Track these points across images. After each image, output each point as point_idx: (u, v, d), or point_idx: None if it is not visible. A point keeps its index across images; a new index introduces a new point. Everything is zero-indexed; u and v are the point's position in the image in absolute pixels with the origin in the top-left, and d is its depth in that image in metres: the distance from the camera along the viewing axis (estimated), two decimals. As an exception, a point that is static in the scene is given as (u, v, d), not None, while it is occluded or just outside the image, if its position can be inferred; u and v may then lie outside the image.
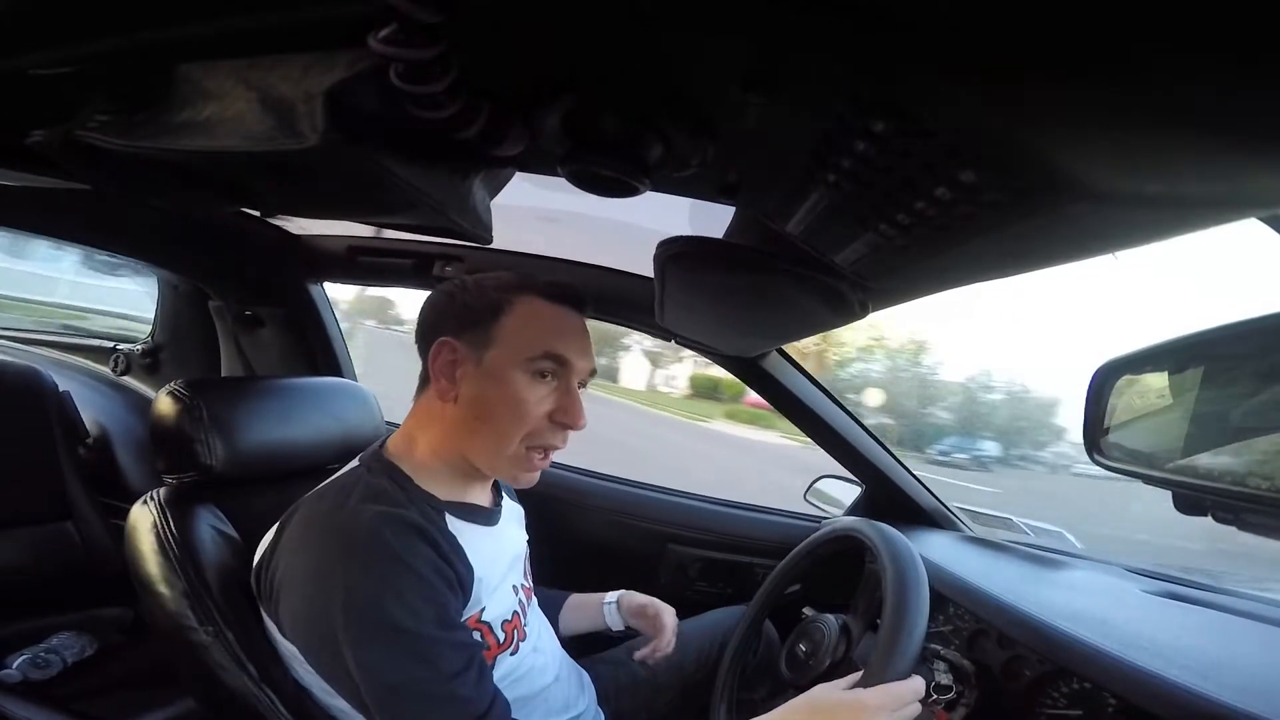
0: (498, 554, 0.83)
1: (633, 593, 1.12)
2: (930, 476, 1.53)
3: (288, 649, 0.72)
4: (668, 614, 1.06)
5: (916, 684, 0.72)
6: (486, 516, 0.85)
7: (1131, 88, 0.29)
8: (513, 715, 0.71)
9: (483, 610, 0.76)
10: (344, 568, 0.66)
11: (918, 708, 0.71)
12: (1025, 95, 0.32)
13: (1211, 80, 0.27)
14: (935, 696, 0.83)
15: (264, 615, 0.74)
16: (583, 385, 0.82)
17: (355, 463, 0.82)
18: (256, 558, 0.76)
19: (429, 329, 0.80)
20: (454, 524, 0.77)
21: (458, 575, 0.72)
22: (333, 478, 0.80)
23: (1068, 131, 0.34)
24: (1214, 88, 0.28)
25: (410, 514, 0.71)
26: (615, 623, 1.10)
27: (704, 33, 0.39)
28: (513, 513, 0.95)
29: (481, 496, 0.86)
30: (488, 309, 0.78)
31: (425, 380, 0.82)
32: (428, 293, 0.85)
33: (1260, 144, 0.31)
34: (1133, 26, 0.26)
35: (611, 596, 1.12)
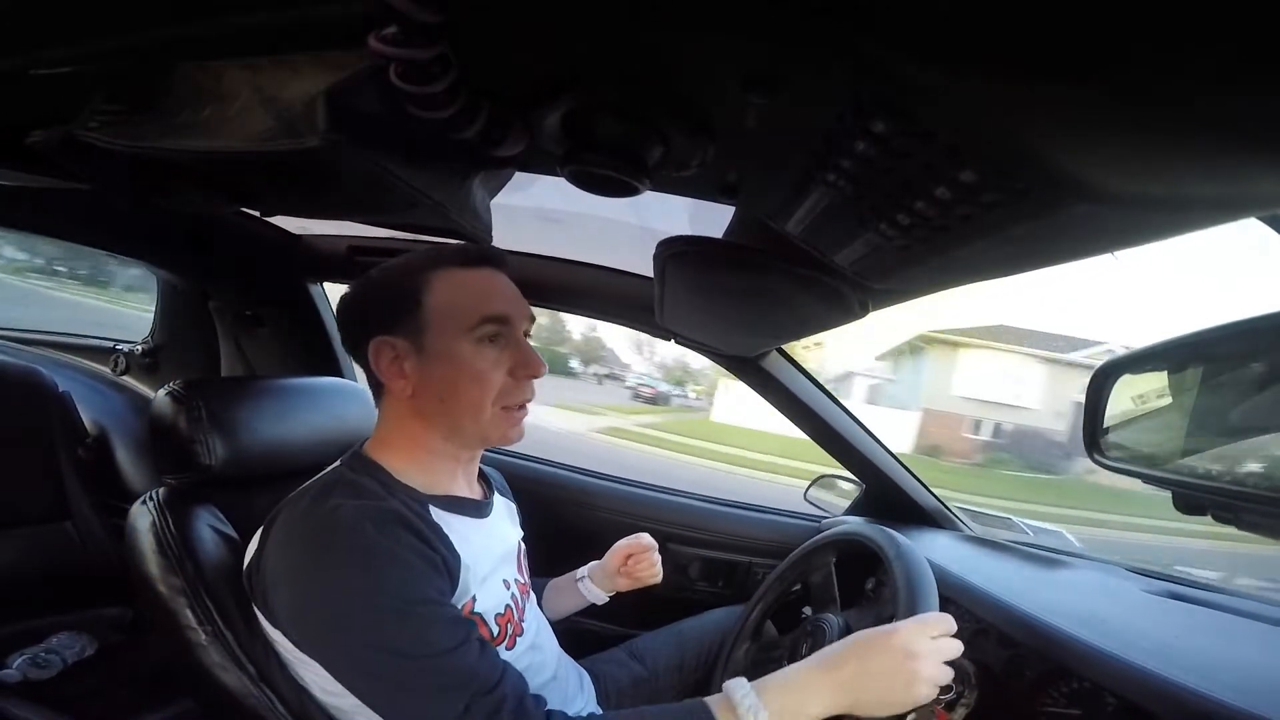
0: (487, 547, 0.83)
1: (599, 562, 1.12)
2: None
3: (286, 648, 0.73)
4: (642, 539, 1.09)
5: (948, 620, 0.71)
6: (475, 509, 0.84)
7: (1133, 92, 0.29)
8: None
9: (474, 599, 0.76)
10: (328, 563, 0.66)
11: (956, 644, 0.69)
12: (1025, 98, 0.32)
13: (1214, 86, 0.27)
14: (935, 696, 0.83)
15: (259, 616, 0.74)
16: (527, 334, 0.81)
17: (336, 463, 0.82)
18: (246, 560, 0.76)
19: (357, 332, 0.78)
20: (438, 514, 0.76)
21: (444, 560, 0.71)
22: (315, 479, 0.79)
23: (1068, 133, 0.34)
24: (1215, 91, 0.28)
25: (391, 504, 0.71)
26: (596, 596, 1.11)
27: (703, 33, 0.39)
28: (505, 508, 0.95)
29: (467, 489, 0.86)
30: (407, 296, 0.76)
31: (377, 383, 0.80)
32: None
33: (1261, 145, 0.31)
34: (1135, 31, 0.26)
35: (582, 572, 1.12)
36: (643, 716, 0.70)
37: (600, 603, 1.12)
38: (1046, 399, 18.32)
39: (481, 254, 0.80)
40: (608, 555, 1.11)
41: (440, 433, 0.79)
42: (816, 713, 0.66)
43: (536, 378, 0.80)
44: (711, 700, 0.68)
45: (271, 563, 0.71)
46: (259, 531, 0.76)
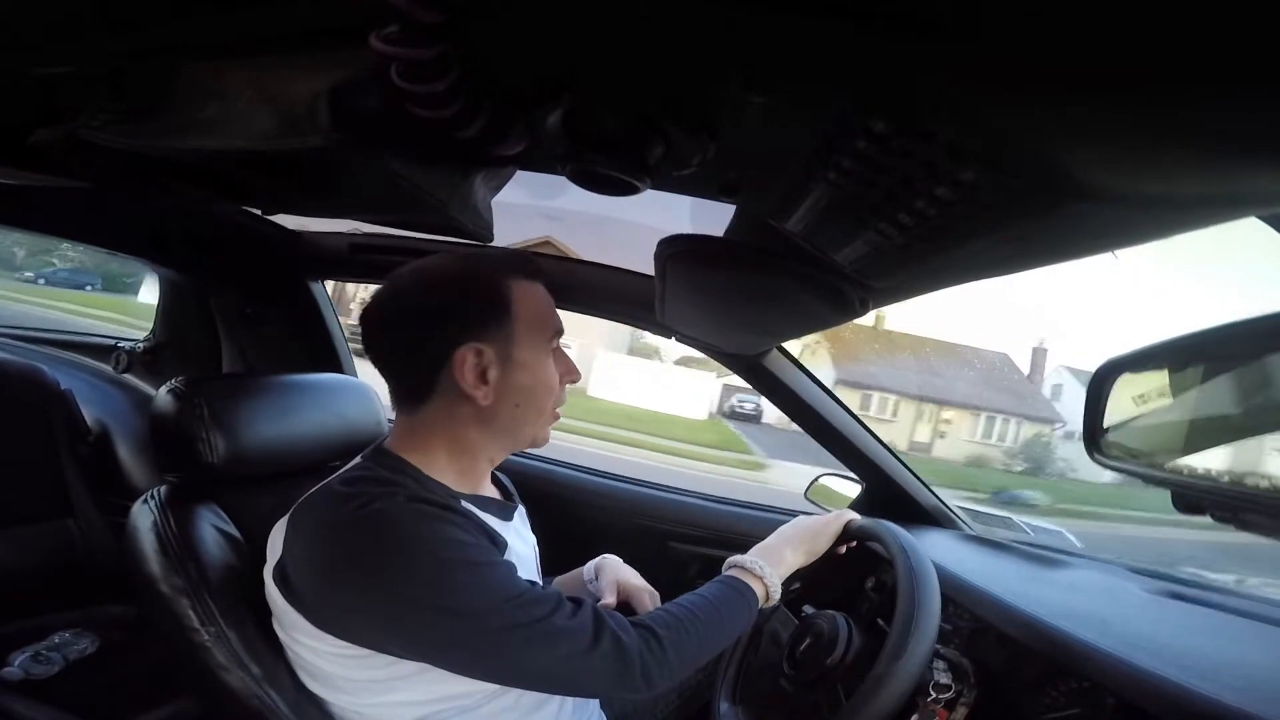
0: (515, 549, 0.81)
1: (608, 562, 1.07)
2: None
3: (330, 654, 0.70)
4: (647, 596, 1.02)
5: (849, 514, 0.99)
6: (500, 510, 0.84)
7: (1136, 106, 0.29)
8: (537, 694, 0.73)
9: None
10: (397, 562, 0.64)
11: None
12: (1026, 104, 0.32)
13: (1218, 102, 0.27)
14: (935, 695, 0.83)
15: (294, 623, 0.70)
16: None
17: (359, 460, 0.80)
18: (269, 566, 0.72)
19: (432, 337, 0.74)
20: (471, 509, 0.75)
21: (495, 543, 0.73)
22: (341, 476, 0.75)
23: (1068, 134, 0.34)
24: (1218, 104, 0.28)
25: (435, 497, 0.71)
26: (606, 598, 1.04)
27: (704, 32, 0.39)
28: (521, 514, 0.94)
29: (490, 491, 0.86)
30: (499, 303, 0.75)
31: (428, 391, 0.76)
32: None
33: (1260, 145, 0.31)
34: (1140, 53, 0.26)
35: (590, 574, 1.07)
36: (693, 604, 0.80)
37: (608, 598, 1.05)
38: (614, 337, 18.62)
39: (537, 267, 0.82)
40: (604, 582, 1.05)
41: (499, 440, 0.81)
42: (791, 563, 0.93)
43: (575, 383, 0.85)
44: (726, 574, 0.87)
45: (324, 573, 0.67)
46: (280, 531, 0.72)
